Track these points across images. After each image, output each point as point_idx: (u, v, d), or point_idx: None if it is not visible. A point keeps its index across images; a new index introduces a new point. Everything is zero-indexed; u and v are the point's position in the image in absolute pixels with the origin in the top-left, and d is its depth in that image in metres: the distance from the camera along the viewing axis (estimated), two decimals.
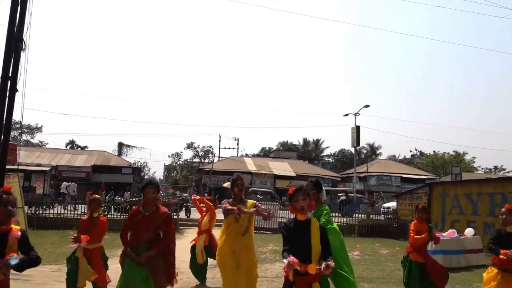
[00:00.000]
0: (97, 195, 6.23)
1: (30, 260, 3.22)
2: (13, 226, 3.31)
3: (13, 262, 3.04)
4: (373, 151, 67.06)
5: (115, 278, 6.39)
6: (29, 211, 15.30)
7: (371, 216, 19.26)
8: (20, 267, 3.15)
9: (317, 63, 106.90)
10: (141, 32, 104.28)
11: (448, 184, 17.29)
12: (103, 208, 7.78)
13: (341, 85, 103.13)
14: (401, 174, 44.67)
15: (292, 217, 3.49)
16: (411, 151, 67.75)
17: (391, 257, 11.19)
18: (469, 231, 11.01)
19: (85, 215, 6.13)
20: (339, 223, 18.13)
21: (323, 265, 3.05)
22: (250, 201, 5.21)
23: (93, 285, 5.76)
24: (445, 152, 59.39)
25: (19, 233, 3.27)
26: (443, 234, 10.30)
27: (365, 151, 67.17)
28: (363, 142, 67.50)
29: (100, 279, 5.72)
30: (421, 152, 64.96)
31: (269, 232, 16.05)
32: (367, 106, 31.57)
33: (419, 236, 5.94)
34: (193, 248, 7.42)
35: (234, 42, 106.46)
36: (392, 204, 20.43)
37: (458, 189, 14.60)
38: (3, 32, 9.56)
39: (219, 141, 55.84)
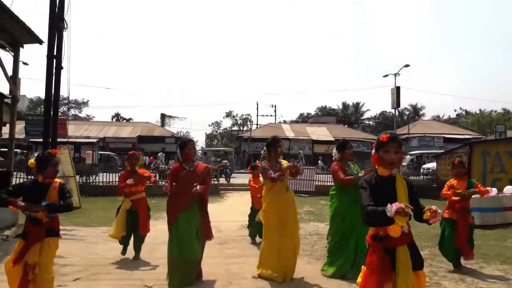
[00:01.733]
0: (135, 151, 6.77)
1: (63, 205, 3.84)
2: (56, 179, 3.96)
3: (44, 203, 3.69)
4: (416, 112, 65.09)
5: (159, 236, 7.03)
6: (80, 180, 16.40)
7: (411, 177, 19.15)
8: (52, 208, 3.76)
9: (351, 25, 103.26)
10: (178, 9, 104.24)
11: (489, 142, 16.77)
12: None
13: (381, 45, 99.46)
14: (444, 135, 43.31)
15: (372, 173, 2.99)
16: (455, 111, 65.28)
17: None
18: (508, 189, 10.86)
19: (125, 171, 6.63)
20: None
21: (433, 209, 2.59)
22: (284, 161, 5.36)
23: (135, 232, 6.34)
24: (492, 110, 56.85)
25: (58, 184, 3.90)
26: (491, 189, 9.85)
27: (407, 113, 65.37)
28: (405, 103, 65.75)
29: (142, 228, 6.31)
30: (466, 111, 62.45)
31: (306, 195, 16.43)
32: (407, 65, 30.65)
33: (446, 192, 5.80)
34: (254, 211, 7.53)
35: (267, 11, 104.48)
36: (433, 165, 20.15)
37: (500, 147, 14.21)
38: (46, 15, 10.13)
39: (257, 108, 56.12)
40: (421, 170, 22.14)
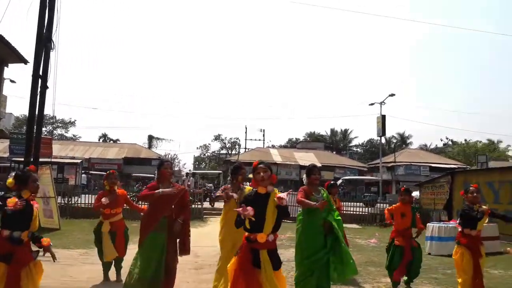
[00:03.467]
0: (114, 171, 6.73)
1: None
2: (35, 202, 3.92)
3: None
4: (403, 140, 65.96)
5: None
6: (62, 201, 16.18)
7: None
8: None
9: (343, 52, 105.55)
10: (168, 27, 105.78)
11: (470, 173, 17.12)
12: (131, 198, 8.29)
13: (369, 74, 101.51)
14: (430, 164, 43.88)
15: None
16: (442, 140, 66.28)
17: None
18: None
19: (104, 190, 6.51)
20: (362, 213, 18.32)
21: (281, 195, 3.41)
22: (247, 188, 5.30)
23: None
24: (477, 141, 57.91)
25: (37, 204, 3.91)
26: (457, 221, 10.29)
27: (395, 141, 66.20)
28: (393, 132, 66.76)
29: (120, 250, 6.24)
30: (452, 141, 63.49)
31: (290, 221, 16.35)
32: (392, 95, 31.27)
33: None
34: None
35: (259, 32, 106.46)
36: (416, 194, 20.35)
37: (480, 178, 14.47)
38: (34, 34, 10.23)
39: (245, 132, 56.44)
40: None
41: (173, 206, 4.89)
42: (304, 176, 5.35)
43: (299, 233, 5.11)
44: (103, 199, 6.07)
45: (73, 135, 62.10)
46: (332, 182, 6.89)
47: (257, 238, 3.48)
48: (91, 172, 35.46)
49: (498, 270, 8.14)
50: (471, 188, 5.41)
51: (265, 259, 3.47)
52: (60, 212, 13.43)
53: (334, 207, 5.25)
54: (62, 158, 32.10)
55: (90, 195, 17.57)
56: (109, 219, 6.30)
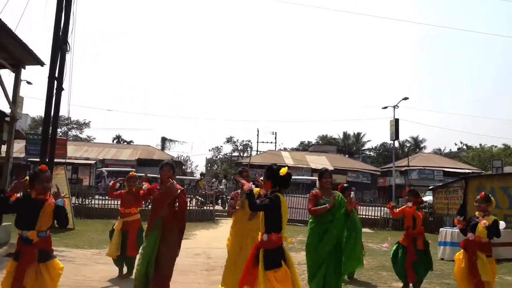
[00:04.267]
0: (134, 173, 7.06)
1: (63, 218, 3.89)
2: (52, 198, 3.84)
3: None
4: (416, 144, 65.24)
5: None
6: (76, 202, 16.39)
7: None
8: (60, 211, 3.79)
9: (358, 54, 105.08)
10: (180, 27, 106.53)
11: (484, 177, 16.85)
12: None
13: (383, 77, 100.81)
14: (443, 168, 43.30)
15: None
16: (456, 144, 65.41)
17: None
18: (501, 225, 10.82)
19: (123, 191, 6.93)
20: (374, 216, 18.18)
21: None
22: (255, 189, 5.31)
23: (123, 252, 6.45)
24: (493, 145, 57.10)
25: (54, 202, 3.79)
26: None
27: (408, 145, 65.53)
28: (406, 135, 66.09)
29: (130, 249, 6.40)
30: (467, 146, 62.65)
31: (301, 224, 16.35)
32: (406, 98, 30.94)
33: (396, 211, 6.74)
34: None
35: (272, 35, 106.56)
36: (429, 198, 20.12)
37: (495, 183, 14.25)
38: (50, 36, 10.42)
39: (257, 135, 56.44)
40: None
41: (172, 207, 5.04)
42: (316, 179, 5.47)
43: (308, 235, 5.18)
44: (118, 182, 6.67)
45: (88, 136, 62.82)
46: (345, 185, 6.94)
47: (260, 237, 3.84)
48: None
49: None
50: (476, 197, 5.71)
51: (260, 258, 3.73)
52: (74, 212, 13.63)
53: (351, 209, 5.21)
54: (77, 159, 32.49)
55: (104, 197, 17.76)
56: (124, 218, 6.57)
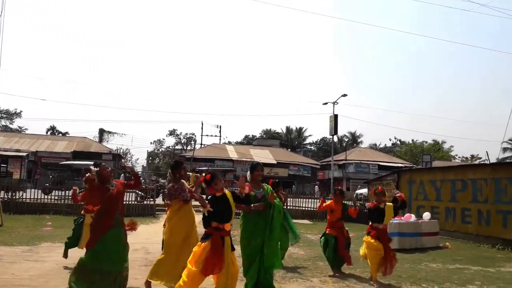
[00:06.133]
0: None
1: None
2: None
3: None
4: (354, 139, 68.02)
5: None
6: (5, 196, 15.41)
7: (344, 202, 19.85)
8: None
9: (301, 52, 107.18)
10: (126, 19, 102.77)
11: (414, 171, 17.97)
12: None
13: (326, 73, 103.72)
14: (379, 162, 45.56)
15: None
16: (390, 140, 69.05)
17: (355, 240, 11.72)
18: (426, 215, 11.64)
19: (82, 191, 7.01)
20: (313, 209, 18.73)
21: None
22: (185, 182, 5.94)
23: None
24: (423, 141, 60.98)
25: None
26: (401, 218, 10.88)
27: (346, 140, 68.15)
28: (345, 131, 68.74)
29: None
30: (400, 141, 66.34)
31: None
32: (345, 95, 32.17)
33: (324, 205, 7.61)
34: None
35: (216, 30, 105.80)
36: (364, 190, 21.11)
37: (424, 176, 15.24)
38: None
39: (201, 128, 55.85)
40: (354, 195, 23.06)
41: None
42: (248, 172, 5.52)
43: (241, 228, 5.26)
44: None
45: (19, 127, 59.10)
46: (276, 180, 7.65)
47: (224, 227, 4.52)
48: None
49: (436, 263, 8.63)
50: (376, 191, 7.06)
51: (228, 244, 4.54)
52: (3, 207, 12.81)
53: (278, 202, 5.35)
54: (6, 151, 30.47)
55: (36, 190, 16.87)
56: (90, 213, 6.49)
